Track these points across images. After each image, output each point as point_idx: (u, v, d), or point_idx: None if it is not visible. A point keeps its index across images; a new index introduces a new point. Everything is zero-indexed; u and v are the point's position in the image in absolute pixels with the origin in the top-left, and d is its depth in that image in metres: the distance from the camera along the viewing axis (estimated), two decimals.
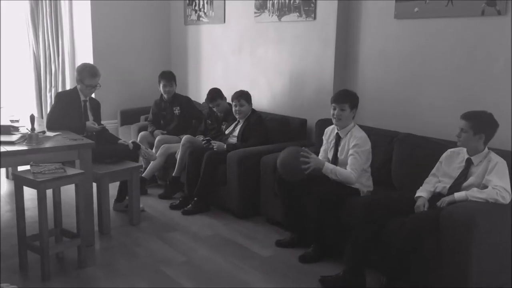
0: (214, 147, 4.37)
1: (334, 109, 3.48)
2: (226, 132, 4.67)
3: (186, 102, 5.28)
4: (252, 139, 4.45)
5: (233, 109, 4.55)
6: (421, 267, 2.84)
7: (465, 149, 3.04)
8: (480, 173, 2.93)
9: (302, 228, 3.57)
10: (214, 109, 4.86)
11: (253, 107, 4.64)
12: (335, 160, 3.55)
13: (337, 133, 3.56)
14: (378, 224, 2.97)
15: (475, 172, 2.95)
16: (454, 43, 3.63)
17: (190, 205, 4.37)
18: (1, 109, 4.86)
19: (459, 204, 2.82)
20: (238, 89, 4.64)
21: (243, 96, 4.52)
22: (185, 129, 5.07)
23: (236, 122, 4.64)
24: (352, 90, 3.74)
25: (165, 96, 5.20)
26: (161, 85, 5.21)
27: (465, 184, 2.94)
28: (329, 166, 3.41)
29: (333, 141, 3.60)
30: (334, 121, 3.53)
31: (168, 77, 5.19)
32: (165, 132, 5.16)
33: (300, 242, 3.60)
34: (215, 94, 4.82)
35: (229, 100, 4.75)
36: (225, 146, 4.38)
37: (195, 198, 4.36)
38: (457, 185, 2.97)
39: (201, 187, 4.32)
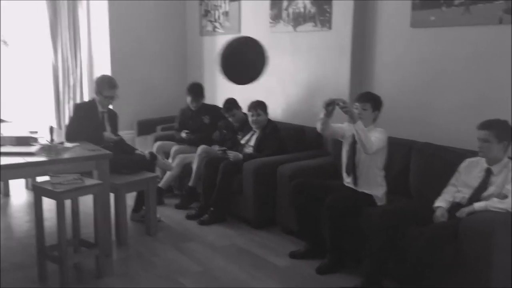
0: (230, 157, 4.38)
1: (356, 108, 3.45)
2: (242, 142, 4.68)
3: (214, 111, 5.29)
4: (268, 149, 4.45)
5: (250, 119, 4.57)
6: (439, 277, 2.80)
7: (483, 159, 3.00)
8: (500, 182, 2.89)
9: (318, 238, 3.55)
10: (230, 119, 4.88)
11: (269, 116, 4.65)
12: (352, 157, 3.49)
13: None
14: (396, 233, 2.94)
15: (495, 181, 2.91)
16: (471, 51, 3.60)
17: (207, 215, 4.38)
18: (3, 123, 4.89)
19: (479, 213, 2.78)
20: (253, 99, 4.65)
21: (260, 106, 4.53)
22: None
23: (252, 132, 4.65)
24: None
25: (192, 107, 5.25)
26: (188, 99, 5.26)
27: (485, 194, 2.90)
28: (360, 125, 3.22)
29: (351, 139, 3.50)
30: None
31: (194, 92, 5.21)
32: (189, 133, 5.15)
33: (315, 253, 3.58)
34: (231, 104, 4.84)
35: (244, 110, 4.77)
36: (241, 156, 4.38)
37: (211, 208, 4.37)
38: (476, 195, 2.93)
39: (217, 197, 4.33)
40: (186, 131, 5.17)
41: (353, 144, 3.46)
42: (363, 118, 3.39)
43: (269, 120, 4.63)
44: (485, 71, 3.52)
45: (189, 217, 4.47)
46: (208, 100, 6.14)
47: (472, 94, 3.62)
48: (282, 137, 4.57)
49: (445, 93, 3.80)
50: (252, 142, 4.59)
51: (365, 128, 3.29)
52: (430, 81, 3.90)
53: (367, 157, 3.37)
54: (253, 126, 4.58)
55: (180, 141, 5.22)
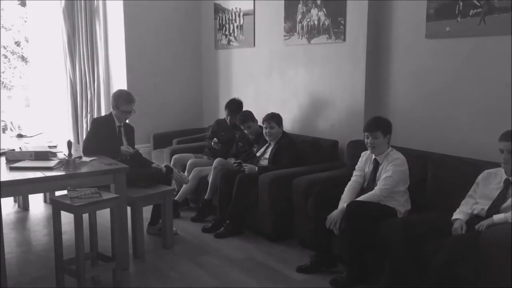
0: (246, 169, 4.39)
1: (367, 137, 3.50)
2: (258, 154, 4.69)
3: (260, 131, 5.23)
4: (284, 161, 4.45)
5: (264, 131, 4.58)
6: None
7: (502, 170, 2.96)
8: None
9: (329, 248, 3.53)
10: (246, 131, 4.89)
11: (284, 129, 4.65)
12: (372, 185, 3.52)
13: (375, 159, 3.56)
14: (417, 245, 2.90)
15: None
16: (488, 62, 3.57)
17: (223, 228, 4.38)
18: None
19: (499, 226, 2.73)
20: (269, 111, 4.66)
21: (273, 119, 4.54)
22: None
23: (267, 145, 4.65)
24: (384, 113, 3.74)
25: (228, 122, 5.29)
26: (225, 113, 5.32)
27: (504, 205, 2.86)
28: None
29: (371, 166, 3.58)
30: (369, 149, 3.56)
31: (232, 109, 5.23)
32: (219, 143, 5.20)
33: (323, 262, 3.54)
34: (246, 116, 4.86)
35: (260, 122, 4.78)
36: (256, 169, 4.39)
37: (228, 221, 4.37)
38: (496, 207, 2.89)
39: (233, 209, 4.33)
40: (215, 139, 5.21)
41: (373, 174, 3.54)
42: (377, 147, 3.48)
43: (284, 133, 4.64)
44: (502, 81, 3.48)
45: (205, 230, 4.48)
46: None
47: (489, 105, 3.59)
48: (297, 150, 4.57)
49: (461, 104, 3.77)
50: (267, 155, 4.60)
51: (384, 155, 3.49)
52: (446, 92, 3.87)
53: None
54: (268, 139, 4.60)
55: (209, 149, 5.28)
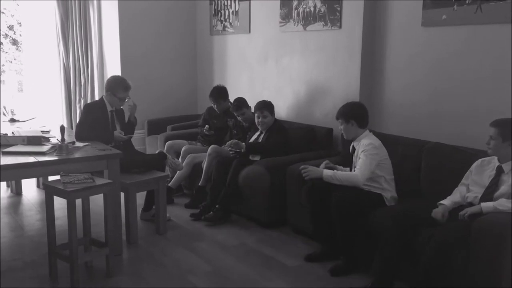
0: (242, 148, 4.42)
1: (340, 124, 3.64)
2: (250, 141, 4.67)
3: (253, 119, 5.22)
4: (272, 141, 4.45)
5: (256, 120, 4.56)
6: (451, 279, 2.78)
7: (496, 158, 2.97)
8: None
9: (332, 239, 3.53)
10: (239, 118, 4.87)
11: (279, 116, 4.63)
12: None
13: (352, 145, 3.60)
14: (408, 235, 2.91)
15: (506, 180, 2.88)
16: (484, 50, 3.57)
17: (212, 212, 4.36)
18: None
19: (491, 215, 2.74)
20: (263, 98, 4.64)
21: (266, 107, 4.51)
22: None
23: (258, 133, 4.64)
24: (378, 101, 3.85)
25: (216, 110, 5.26)
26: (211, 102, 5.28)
27: (497, 193, 2.87)
28: (328, 172, 3.45)
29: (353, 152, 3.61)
30: None
31: (214, 96, 5.19)
32: (212, 131, 5.18)
33: (331, 254, 3.54)
34: (240, 103, 4.83)
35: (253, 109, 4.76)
36: (243, 145, 4.42)
37: (217, 206, 4.35)
38: (488, 194, 2.90)
39: (226, 196, 4.31)
40: (207, 126, 5.19)
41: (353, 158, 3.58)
42: (345, 133, 3.57)
43: (276, 120, 4.62)
44: (498, 70, 3.48)
45: (193, 216, 4.45)
46: None
47: (484, 93, 3.59)
48: (288, 136, 4.54)
49: (456, 92, 3.77)
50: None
51: (358, 140, 3.53)
52: (441, 80, 3.87)
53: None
54: (260, 128, 4.58)
55: (202, 136, 5.25)
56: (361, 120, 3.54)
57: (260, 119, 4.51)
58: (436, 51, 3.88)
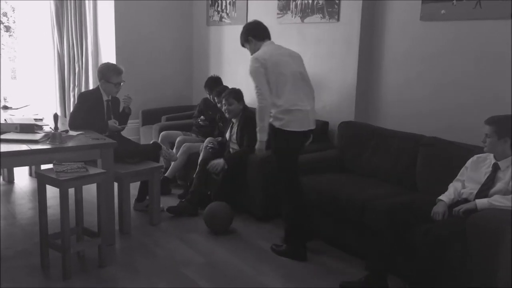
0: (217, 170, 4.19)
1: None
2: (227, 138, 4.57)
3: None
4: (244, 142, 4.30)
5: (222, 108, 4.48)
6: (447, 274, 2.77)
7: (492, 155, 2.96)
8: (508, 178, 2.85)
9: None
10: (225, 107, 4.71)
11: (244, 104, 4.48)
12: None
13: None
14: (402, 230, 2.90)
15: (503, 178, 2.87)
16: (482, 46, 3.55)
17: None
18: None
19: (486, 211, 2.74)
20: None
21: (231, 94, 4.41)
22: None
23: (231, 125, 4.52)
24: (375, 95, 3.85)
25: (212, 100, 5.20)
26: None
27: (492, 190, 2.86)
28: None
29: None
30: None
31: (209, 86, 5.15)
32: (205, 120, 5.14)
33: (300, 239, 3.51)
34: (235, 93, 4.75)
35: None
36: (222, 165, 4.19)
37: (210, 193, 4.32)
38: (484, 191, 2.89)
39: (221, 189, 4.26)
40: (202, 117, 5.15)
41: None
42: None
43: (244, 108, 4.45)
44: (496, 66, 3.47)
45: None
46: None
47: (482, 89, 3.58)
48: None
49: (454, 87, 3.76)
50: (234, 137, 4.46)
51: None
52: (439, 75, 3.85)
53: None
54: (227, 116, 4.47)
55: (197, 127, 5.21)
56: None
57: (226, 107, 4.41)
58: (434, 46, 3.85)
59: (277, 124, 3.37)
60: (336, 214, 3.54)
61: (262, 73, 3.32)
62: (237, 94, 4.44)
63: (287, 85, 3.37)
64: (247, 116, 4.32)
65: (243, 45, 3.65)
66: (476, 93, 3.61)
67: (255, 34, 3.54)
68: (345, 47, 4.43)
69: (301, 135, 3.43)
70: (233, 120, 4.48)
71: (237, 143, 4.40)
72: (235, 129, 4.45)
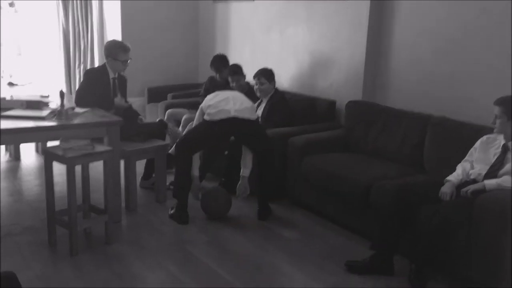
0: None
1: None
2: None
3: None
4: (275, 118, 4.33)
5: (255, 87, 4.48)
6: (453, 255, 2.77)
7: (502, 135, 2.93)
8: None
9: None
10: (233, 84, 4.75)
11: (281, 87, 4.54)
12: None
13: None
14: (410, 210, 2.89)
15: None
16: (495, 24, 3.47)
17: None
18: None
19: (494, 192, 2.72)
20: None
21: (263, 74, 4.41)
22: None
23: (259, 101, 4.55)
24: (384, 74, 3.70)
25: (218, 79, 5.16)
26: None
27: (501, 171, 2.84)
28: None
29: None
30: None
31: (215, 65, 5.09)
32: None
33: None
34: (236, 68, 4.77)
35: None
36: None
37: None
38: (493, 172, 2.86)
39: (226, 169, 4.26)
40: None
41: None
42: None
43: (276, 90, 4.51)
44: (507, 45, 3.40)
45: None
46: None
47: (492, 69, 3.51)
48: (290, 107, 4.46)
49: (464, 68, 3.70)
50: (259, 112, 4.50)
51: None
52: (448, 55, 3.79)
53: None
54: (258, 95, 4.49)
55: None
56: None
57: (258, 86, 4.43)
58: (445, 25, 3.78)
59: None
60: (342, 194, 3.53)
61: None
62: (269, 74, 4.44)
63: None
64: (280, 97, 4.43)
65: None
66: (488, 72, 3.55)
67: None
68: (354, 25, 4.35)
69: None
70: (263, 99, 4.48)
71: (262, 119, 4.37)
72: (263, 107, 4.46)
